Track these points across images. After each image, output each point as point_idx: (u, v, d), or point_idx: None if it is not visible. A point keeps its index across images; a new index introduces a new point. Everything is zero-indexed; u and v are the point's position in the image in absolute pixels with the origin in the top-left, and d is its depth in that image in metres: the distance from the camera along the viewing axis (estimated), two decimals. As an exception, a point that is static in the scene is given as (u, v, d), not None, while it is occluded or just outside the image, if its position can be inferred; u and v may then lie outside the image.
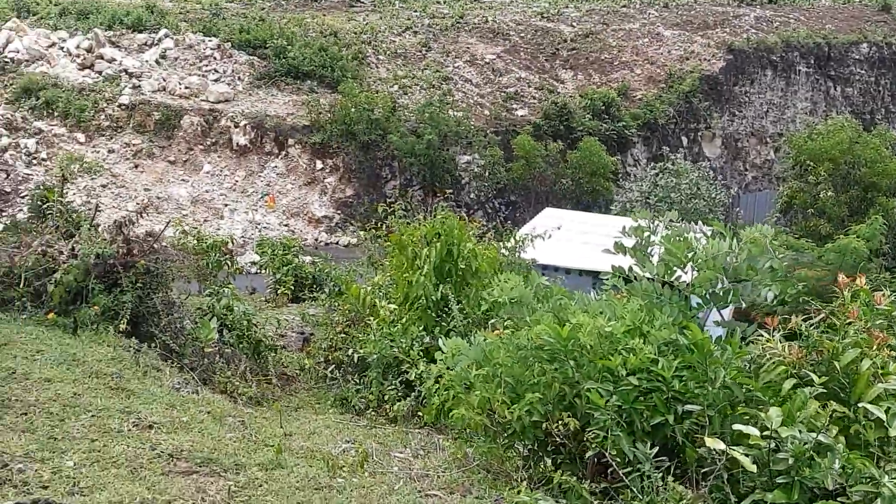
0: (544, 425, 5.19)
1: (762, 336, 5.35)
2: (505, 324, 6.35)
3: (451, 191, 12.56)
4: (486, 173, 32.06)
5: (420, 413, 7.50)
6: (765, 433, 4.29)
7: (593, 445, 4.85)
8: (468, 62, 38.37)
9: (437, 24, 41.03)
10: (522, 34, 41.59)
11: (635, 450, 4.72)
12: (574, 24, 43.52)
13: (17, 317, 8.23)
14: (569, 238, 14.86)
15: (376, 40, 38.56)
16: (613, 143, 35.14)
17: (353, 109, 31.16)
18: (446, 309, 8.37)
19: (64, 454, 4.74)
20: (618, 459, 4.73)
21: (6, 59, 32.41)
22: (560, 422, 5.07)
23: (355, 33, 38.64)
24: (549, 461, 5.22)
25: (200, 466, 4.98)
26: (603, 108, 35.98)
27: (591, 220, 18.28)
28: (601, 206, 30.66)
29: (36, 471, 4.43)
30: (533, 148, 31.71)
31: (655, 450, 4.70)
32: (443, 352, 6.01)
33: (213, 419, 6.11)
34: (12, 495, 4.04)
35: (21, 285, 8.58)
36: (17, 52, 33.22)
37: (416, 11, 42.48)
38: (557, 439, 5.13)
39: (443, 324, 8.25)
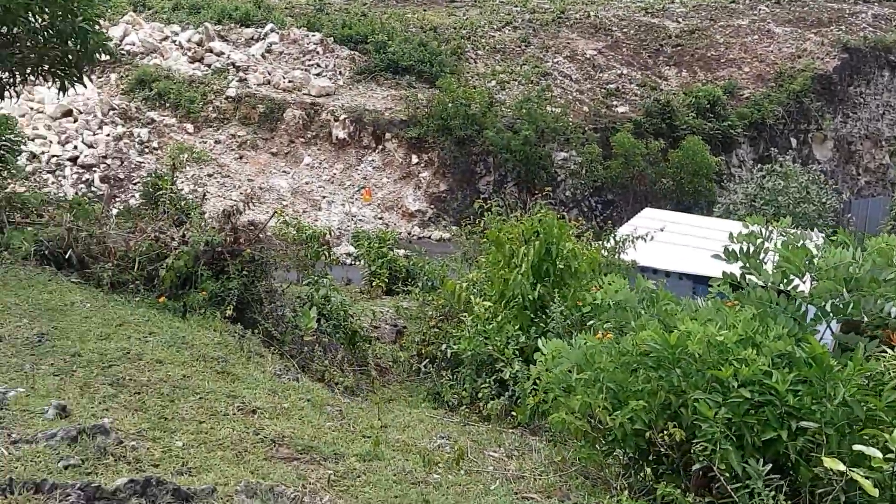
0: (647, 434, 5.03)
1: (886, 352, 5.03)
2: (606, 327, 6.21)
3: (549, 188, 12.45)
4: (584, 171, 31.57)
5: (513, 413, 7.44)
6: (888, 455, 4.02)
7: (700, 458, 4.66)
8: (568, 58, 37.87)
9: (537, 19, 40.66)
10: (625, 29, 40.72)
11: (745, 465, 4.51)
12: (680, 19, 42.28)
13: (131, 299, 8.63)
14: (669, 240, 14.44)
15: (475, 35, 38.56)
16: (718, 142, 33.95)
17: (450, 104, 31.27)
18: (543, 309, 8.25)
19: (173, 434, 4.91)
20: (726, 474, 4.53)
21: (123, 52, 34.08)
22: (664, 431, 4.91)
23: (455, 28, 38.75)
24: (650, 471, 5.06)
25: (301, 453, 5.07)
26: (708, 106, 34.81)
27: (693, 222, 17.69)
28: (703, 207, 29.70)
29: (147, 449, 4.59)
30: (633, 146, 31.00)
31: (767, 467, 4.48)
32: (541, 352, 5.91)
33: (312, 407, 6.22)
34: (126, 472, 4.21)
35: (135, 269, 8.99)
36: (133, 44, 34.92)
37: (516, 6, 42.22)
38: (661, 449, 4.97)
39: (539, 324, 8.14)
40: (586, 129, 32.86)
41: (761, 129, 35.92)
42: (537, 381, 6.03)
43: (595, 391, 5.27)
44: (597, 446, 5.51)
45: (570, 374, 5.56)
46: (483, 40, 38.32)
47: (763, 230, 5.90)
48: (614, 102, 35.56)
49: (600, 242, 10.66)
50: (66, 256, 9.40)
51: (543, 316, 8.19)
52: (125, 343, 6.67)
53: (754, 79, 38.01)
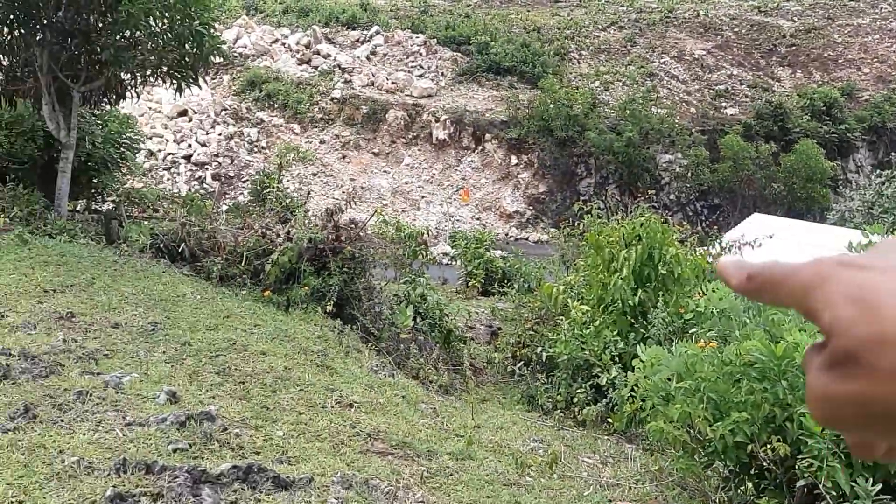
0: (749, 447, 4.84)
1: None
2: (708, 335, 6.01)
3: (652, 191, 12.14)
4: (689, 174, 30.68)
5: (609, 419, 7.30)
6: None
7: (805, 474, 4.44)
8: (675, 58, 36.91)
9: (644, 18, 39.83)
10: (736, 29, 39.32)
11: (853, 484, 4.26)
12: (795, 18, 40.46)
13: (238, 292, 8.98)
14: (779, 248, 13.83)
15: (579, 35, 38.13)
16: (833, 146, 32.31)
17: (551, 105, 31.04)
18: (643, 315, 8.06)
19: (275, 424, 5.07)
20: (832, 493, 4.30)
21: (235, 54, 35.54)
22: (768, 445, 4.71)
23: (558, 29, 38.44)
24: (751, 486, 4.86)
25: (396, 449, 5.13)
26: (823, 108, 33.17)
27: (805, 230, 16.89)
28: (816, 214, 28.33)
29: (250, 437, 4.76)
30: (742, 149, 29.89)
31: (877, 487, 4.22)
32: (640, 359, 5.78)
33: (407, 403, 6.29)
34: (229, 457, 4.37)
35: (242, 263, 9.35)
36: (245, 47, 36.35)
37: (622, 6, 41.49)
38: (763, 463, 4.77)
39: (639, 330, 7.96)
40: (693, 130, 31.93)
41: (881, 133, 33.94)
42: (635, 388, 5.90)
43: (695, 401, 5.11)
44: (696, 457, 5.34)
45: (669, 382, 5.42)
46: (587, 40, 37.85)
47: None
48: (723, 104, 34.41)
49: (705, 248, 10.32)
50: (179, 250, 9.88)
51: (643, 322, 8.01)
52: (232, 334, 6.94)
53: (874, 80, 35.96)
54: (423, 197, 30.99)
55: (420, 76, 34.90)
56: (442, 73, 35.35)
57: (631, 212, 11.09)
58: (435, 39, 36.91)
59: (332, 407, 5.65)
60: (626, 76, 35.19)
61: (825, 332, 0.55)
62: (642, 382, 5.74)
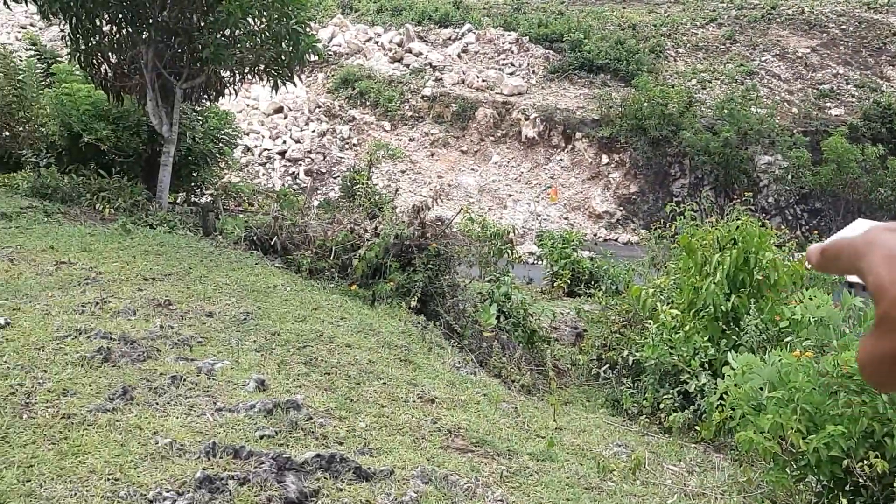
0: (845, 462, 4.61)
1: None
2: (805, 344, 5.75)
3: (749, 193, 11.64)
4: (789, 176, 29.45)
5: (697, 427, 7.09)
6: None
7: (907, 495, 4.20)
8: (777, 56, 35.51)
9: (744, 15, 38.48)
10: (843, 26, 37.49)
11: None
12: (908, 13, 38.30)
13: (326, 285, 9.17)
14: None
15: (676, 33, 37.19)
16: (948, 149, 30.43)
17: (645, 104, 30.38)
18: (735, 321, 7.79)
19: (358, 415, 5.14)
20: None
21: (330, 53, 36.30)
22: (865, 461, 4.47)
23: (654, 26, 37.59)
24: (845, 502, 4.62)
25: (476, 446, 5.12)
26: (938, 109, 31.30)
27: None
28: (926, 220, 26.68)
29: (334, 427, 4.84)
30: (847, 151, 28.47)
31: None
32: (731, 367, 5.58)
33: (488, 402, 6.28)
34: (313, 446, 4.45)
35: (331, 257, 9.55)
36: (340, 45, 37.09)
37: (722, 2, 40.20)
38: (859, 480, 4.53)
39: (730, 337, 7.69)
40: (794, 131, 30.65)
41: None
42: (725, 397, 5.71)
43: (788, 412, 4.90)
44: (787, 470, 5.12)
45: (761, 391, 5.21)
46: (685, 38, 36.87)
47: None
48: (827, 104, 32.88)
49: (804, 254, 9.88)
50: (272, 243, 10.17)
51: (736, 328, 7.73)
52: (319, 326, 7.08)
53: None
54: (510, 195, 30.87)
55: (511, 74, 34.78)
56: (533, 71, 35.12)
57: (726, 214, 10.75)
58: (527, 37, 36.71)
59: (414, 401, 5.69)
60: (724, 74, 34.07)
61: (872, 296, 0.57)
62: (733, 391, 5.55)
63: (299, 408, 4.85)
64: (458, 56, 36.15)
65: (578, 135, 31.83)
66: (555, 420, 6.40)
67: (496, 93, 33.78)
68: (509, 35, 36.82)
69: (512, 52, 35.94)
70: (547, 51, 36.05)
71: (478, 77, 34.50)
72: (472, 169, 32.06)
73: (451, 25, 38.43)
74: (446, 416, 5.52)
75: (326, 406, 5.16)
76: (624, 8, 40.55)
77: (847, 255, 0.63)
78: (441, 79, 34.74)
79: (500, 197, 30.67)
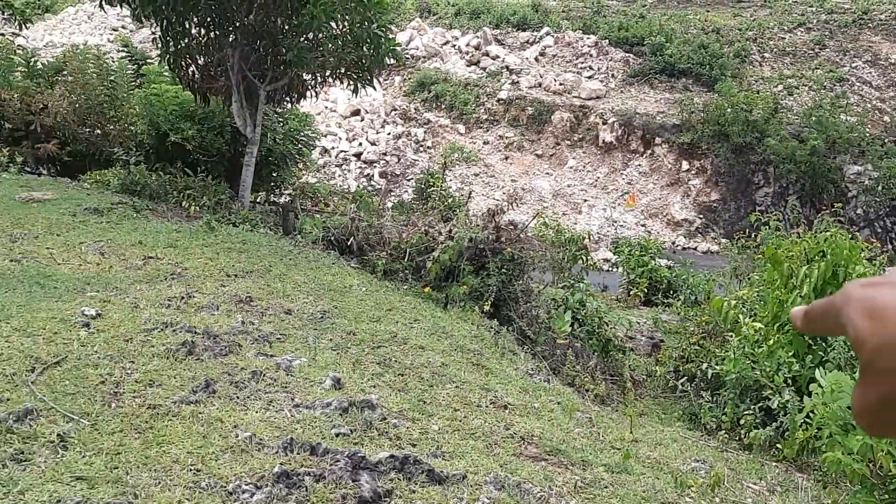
0: (941, 490, 4.36)
1: None
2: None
3: (838, 204, 11.16)
4: (880, 187, 28.16)
5: (779, 445, 6.83)
6: None
7: None
8: (869, 62, 34.03)
9: (834, 20, 37.02)
10: (942, 30, 35.70)
11: None
12: None
13: (400, 286, 9.24)
14: None
15: (763, 37, 36.07)
16: None
17: (728, 109, 29.56)
18: (823, 337, 7.47)
19: (431, 418, 5.14)
20: None
21: (407, 56, 36.63)
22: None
23: (740, 30, 36.56)
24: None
25: (549, 455, 5.06)
26: None
27: None
28: None
29: (407, 428, 4.86)
30: (943, 161, 27.09)
31: None
32: (818, 384, 5.34)
33: (562, 410, 6.20)
34: (387, 447, 4.47)
35: (405, 259, 9.61)
36: (417, 49, 37.39)
37: (811, 6, 38.78)
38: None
39: (817, 352, 7.38)
40: (886, 141, 29.30)
41: None
42: (810, 415, 5.48)
43: (881, 435, 4.65)
44: (875, 494, 4.88)
45: (850, 410, 4.97)
46: (771, 42, 35.73)
47: None
48: (923, 112, 31.34)
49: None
50: (348, 243, 10.32)
51: (822, 344, 7.42)
52: (393, 327, 7.13)
53: None
54: (585, 200, 30.50)
55: (589, 77, 34.37)
56: (612, 75, 34.63)
57: (814, 225, 10.35)
58: (607, 40, 36.22)
59: (487, 406, 5.66)
60: (812, 80, 32.86)
61: (853, 349, 0.60)
62: (819, 409, 5.31)
63: (374, 407, 4.89)
64: (536, 59, 35.94)
65: (658, 140, 31.20)
66: (631, 432, 6.27)
67: (573, 96, 33.43)
68: (588, 38, 36.40)
69: (591, 55, 35.52)
70: (627, 54, 35.49)
71: (555, 80, 34.22)
72: (547, 173, 31.82)
73: (528, 28, 38.26)
74: (519, 423, 5.47)
75: (400, 407, 5.18)
76: (708, 11, 39.56)
77: (829, 313, 0.65)
78: (517, 82, 34.60)
79: (575, 202, 30.33)
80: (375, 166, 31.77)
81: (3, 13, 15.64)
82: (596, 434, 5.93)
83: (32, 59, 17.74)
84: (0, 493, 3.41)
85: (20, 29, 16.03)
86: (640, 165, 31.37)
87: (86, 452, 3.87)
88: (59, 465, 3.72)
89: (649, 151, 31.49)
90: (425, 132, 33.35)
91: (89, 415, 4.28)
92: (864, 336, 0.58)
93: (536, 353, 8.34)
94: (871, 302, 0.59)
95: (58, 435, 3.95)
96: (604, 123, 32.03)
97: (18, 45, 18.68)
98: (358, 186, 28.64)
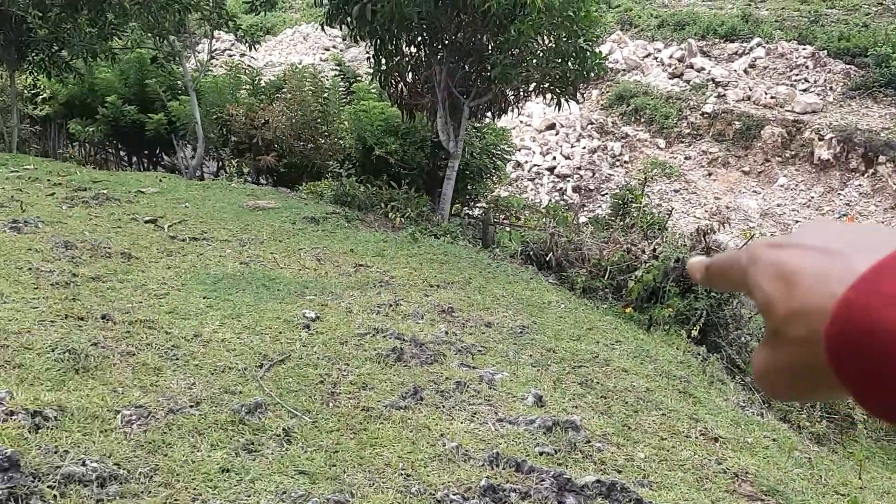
0: None
1: None
2: None
3: None
4: None
5: None
6: None
7: None
8: None
9: None
10: None
11: None
12: None
13: (599, 305, 9.04)
14: None
15: None
16: None
17: (970, 125, 26.34)
18: None
19: (636, 444, 4.96)
20: None
21: (607, 69, 36.04)
22: None
23: None
24: None
25: (766, 495, 4.70)
26: None
27: None
28: None
29: (612, 453, 4.71)
30: None
31: None
32: None
33: (778, 447, 5.74)
34: (592, 471, 4.36)
35: (605, 277, 9.40)
36: (617, 62, 36.71)
37: None
38: None
39: None
40: None
41: None
42: None
43: None
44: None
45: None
46: None
47: None
48: None
49: None
50: (547, 259, 10.26)
51: None
52: (594, 347, 6.98)
53: None
54: (796, 221, 28.34)
55: (804, 90, 31.98)
56: (830, 88, 31.99)
57: None
58: (825, 51, 33.53)
59: (696, 438, 5.37)
60: None
61: (761, 313, 0.57)
62: None
63: (578, 429, 4.79)
64: (745, 71, 34.00)
65: (882, 158, 28.35)
66: (860, 477, 5.69)
67: (786, 110, 31.22)
68: (804, 49, 33.90)
69: (806, 67, 33.03)
70: (848, 66, 32.63)
71: (766, 93, 32.17)
72: (754, 191, 29.91)
73: (737, 39, 36.29)
74: (732, 458, 5.14)
75: (603, 430, 5.04)
76: (948, 15, 35.54)
77: (733, 272, 0.63)
78: (724, 95, 32.90)
79: (786, 222, 28.26)
80: (569, 180, 31.52)
81: (235, 34, 17.28)
82: (817, 476, 5.44)
83: (257, 78, 19.40)
84: (234, 480, 3.70)
85: (250, 49, 17.60)
86: (860, 185, 28.70)
87: (308, 448, 4.10)
88: (284, 458, 3.97)
89: (871, 171, 28.74)
90: (622, 146, 32.64)
91: (310, 412, 4.55)
92: (775, 302, 0.55)
93: (748, 385, 7.82)
94: (782, 266, 0.56)
95: (283, 429, 4.23)
96: (820, 139, 29.68)
97: (247, 65, 20.48)
98: (550, 200, 28.56)
